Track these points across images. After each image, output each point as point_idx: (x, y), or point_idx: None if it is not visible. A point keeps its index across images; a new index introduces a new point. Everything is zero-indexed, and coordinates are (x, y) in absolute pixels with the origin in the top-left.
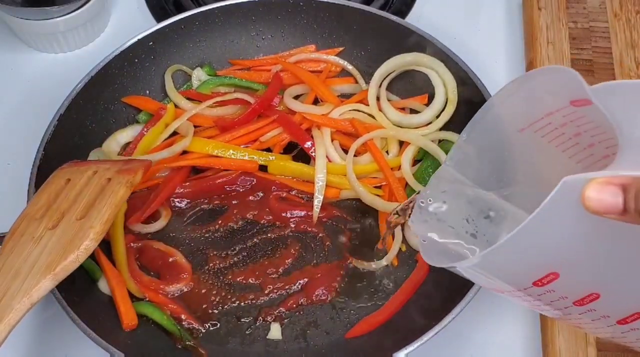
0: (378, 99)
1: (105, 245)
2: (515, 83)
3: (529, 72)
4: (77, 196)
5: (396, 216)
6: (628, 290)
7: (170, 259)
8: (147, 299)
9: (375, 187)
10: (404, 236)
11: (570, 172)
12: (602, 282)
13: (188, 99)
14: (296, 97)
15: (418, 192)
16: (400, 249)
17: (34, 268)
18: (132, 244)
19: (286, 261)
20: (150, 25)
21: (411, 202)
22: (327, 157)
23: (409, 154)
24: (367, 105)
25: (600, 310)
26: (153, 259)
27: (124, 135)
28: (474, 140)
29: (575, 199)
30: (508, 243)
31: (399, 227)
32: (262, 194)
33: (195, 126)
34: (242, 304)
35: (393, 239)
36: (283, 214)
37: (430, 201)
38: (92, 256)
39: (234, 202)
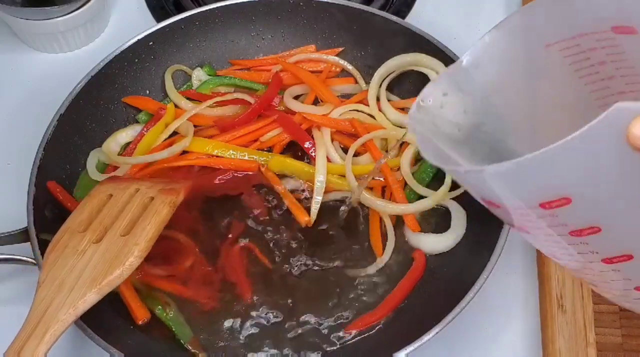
0: (378, 99)
1: None
2: None
3: None
4: (120, 212)
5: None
6: None
7: (173, 242)
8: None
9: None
10: (404, 234)
11: (581, 99)
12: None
13: (188, 99)
14: (296, 97)
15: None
16: (395, 246)
17: (79, 280)
18: None
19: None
20: (150, 25)
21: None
22: (326, 157)
23: (408, 154)
24: (367, 105)
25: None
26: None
27: (124, 135)
28: (497, 43)
29: (620, 129)
30: (538, 158)
31: (392, 228)
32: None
33: (195, 126)
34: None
35: (387, 240)
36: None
37: (430, 101)
38: None
39: (232, 201)
